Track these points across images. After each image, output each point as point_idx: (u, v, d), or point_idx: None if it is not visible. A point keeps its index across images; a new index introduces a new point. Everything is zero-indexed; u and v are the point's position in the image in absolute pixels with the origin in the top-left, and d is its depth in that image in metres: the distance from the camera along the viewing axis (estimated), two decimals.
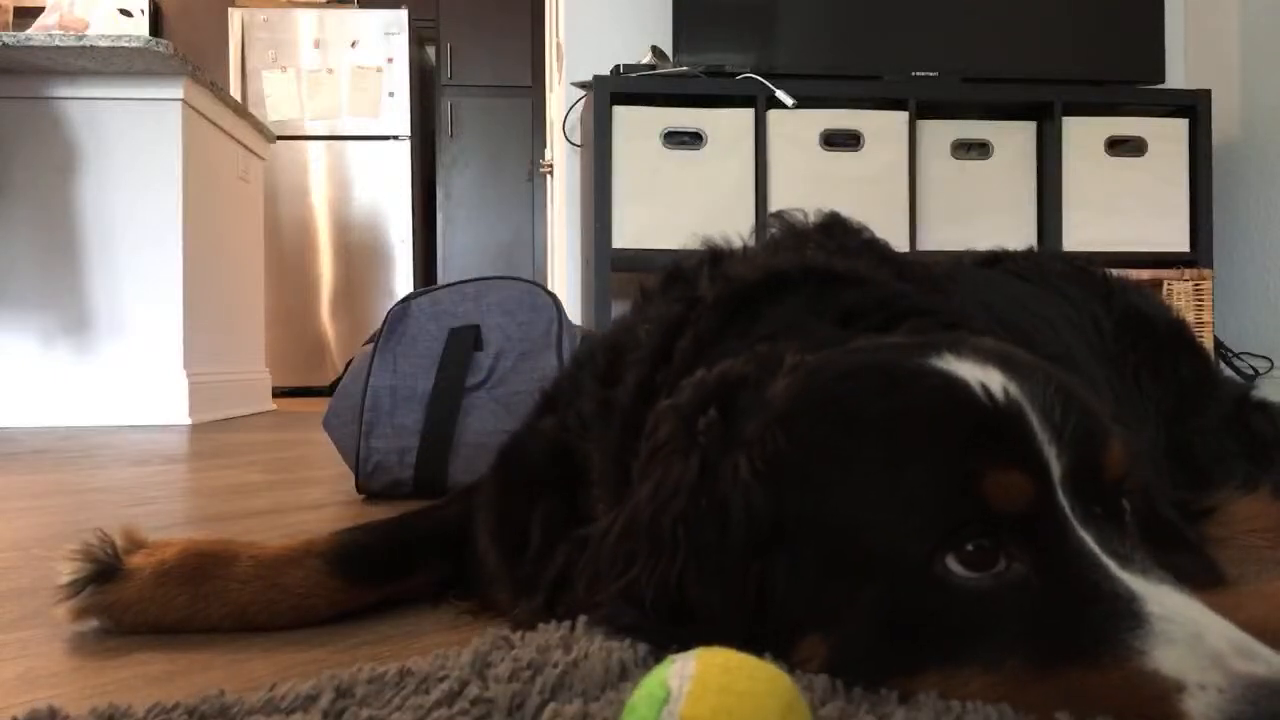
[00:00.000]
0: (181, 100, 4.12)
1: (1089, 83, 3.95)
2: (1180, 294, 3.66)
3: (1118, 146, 3.82)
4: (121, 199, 4.10)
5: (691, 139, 3.70)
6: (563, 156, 4.36)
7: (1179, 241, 3.82)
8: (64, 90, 4.07)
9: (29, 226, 4.04)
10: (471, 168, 7.78)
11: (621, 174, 3.67)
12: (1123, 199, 3.81)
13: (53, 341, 4.05)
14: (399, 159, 7.24)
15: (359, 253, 7.24)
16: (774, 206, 3.71)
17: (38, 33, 4.00)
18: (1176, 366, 1.40)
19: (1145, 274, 3.65)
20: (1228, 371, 3.77)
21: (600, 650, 0.70)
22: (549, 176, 5.32)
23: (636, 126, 3.68)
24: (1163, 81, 4.00)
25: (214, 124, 4.52)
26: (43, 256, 4.06)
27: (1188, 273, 3.70)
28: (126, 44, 3.86)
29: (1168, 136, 3.83)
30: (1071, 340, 1.33)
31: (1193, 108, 3.82)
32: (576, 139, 4.16)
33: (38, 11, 4.65)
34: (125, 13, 5.21)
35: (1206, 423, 1.38)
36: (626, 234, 3.67)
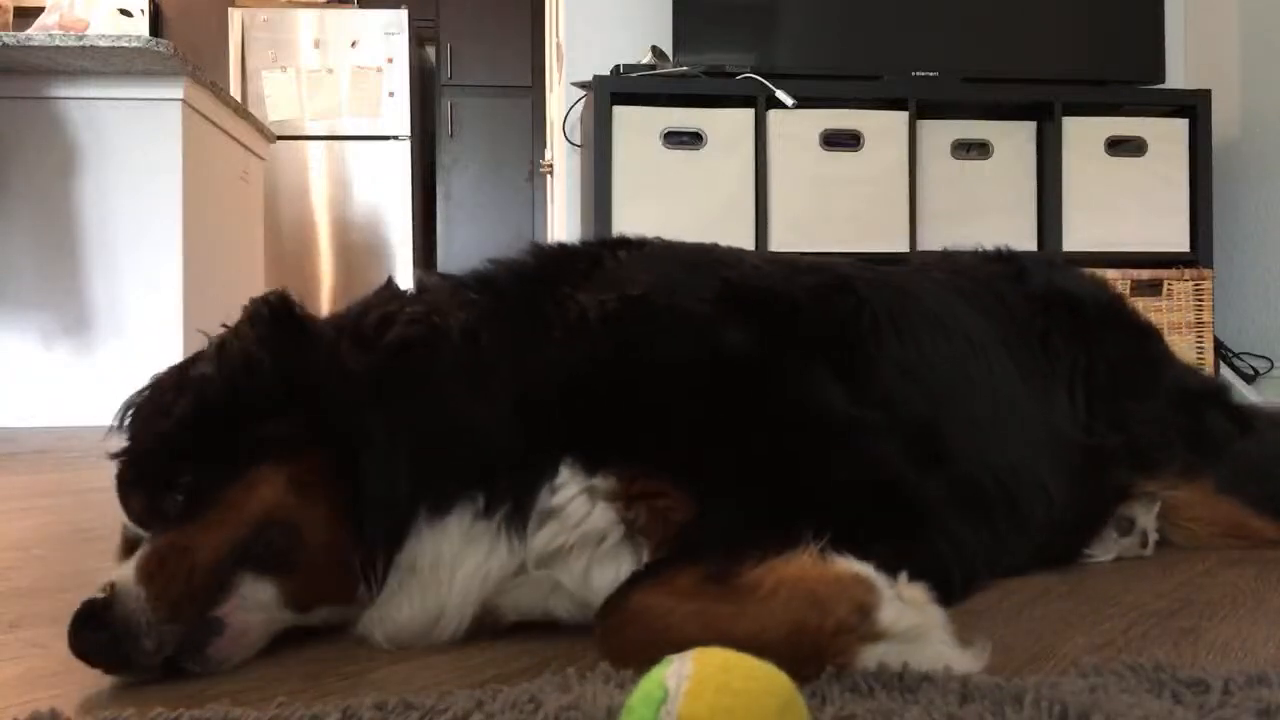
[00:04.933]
0: (181, 100, 4.12)
1: (1089, 83, 3.95)
2: (1180, 294, 3.66)
3: (1118, 146, 3.82)
4: (122, 199, 4.10)
5: (692, 139, 3.70)
6: (563, 156, 4.36)
7: (1179, 241, 3.82)
8: (64, 90, 4.07)
9: (29, 226, 4.04)
10: (472, 167, 7.77)
11: (622, 174, 3.67)
12: (1123, 199, 3.81)
13: (53, 341, 4.05)
14: (399, 159, 7.23)
15: (359, 253, 7.24)
16: (774, 206, 3.72)
17: (38, 33, 3.99)
18: (1103, 341, 1.39)
19: (1145, 274, 3.66)
20: (1226, 372, 3.77)
21: (604, 689, 0.73)
22: (549, 176, 5.32)
23: (637, 126, 3.69)
24: (1162, 81, 4.00)
25: (214, 124, 4.52)
26: (43, 256, 4.06)
27: (1188, 273, 3.70)
28: (126, 44, 3.86)
29: (1168, 136, 3.83)
30: (936, 302, 1.32)
31: (1193, 108, 3.82)
32: (577, 139, 4.16)
33: (38, 11, 4.64)
34: (125, 13, 5.21)
35: (1148, 408, 1.36)
36: (625, 232, 3.66)
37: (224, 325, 1.05)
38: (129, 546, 1.00)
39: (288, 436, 0.93)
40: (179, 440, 0.93)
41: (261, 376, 0.96)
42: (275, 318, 1.01)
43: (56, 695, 0.83)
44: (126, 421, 1.00)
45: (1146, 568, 1.30)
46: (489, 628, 0.97)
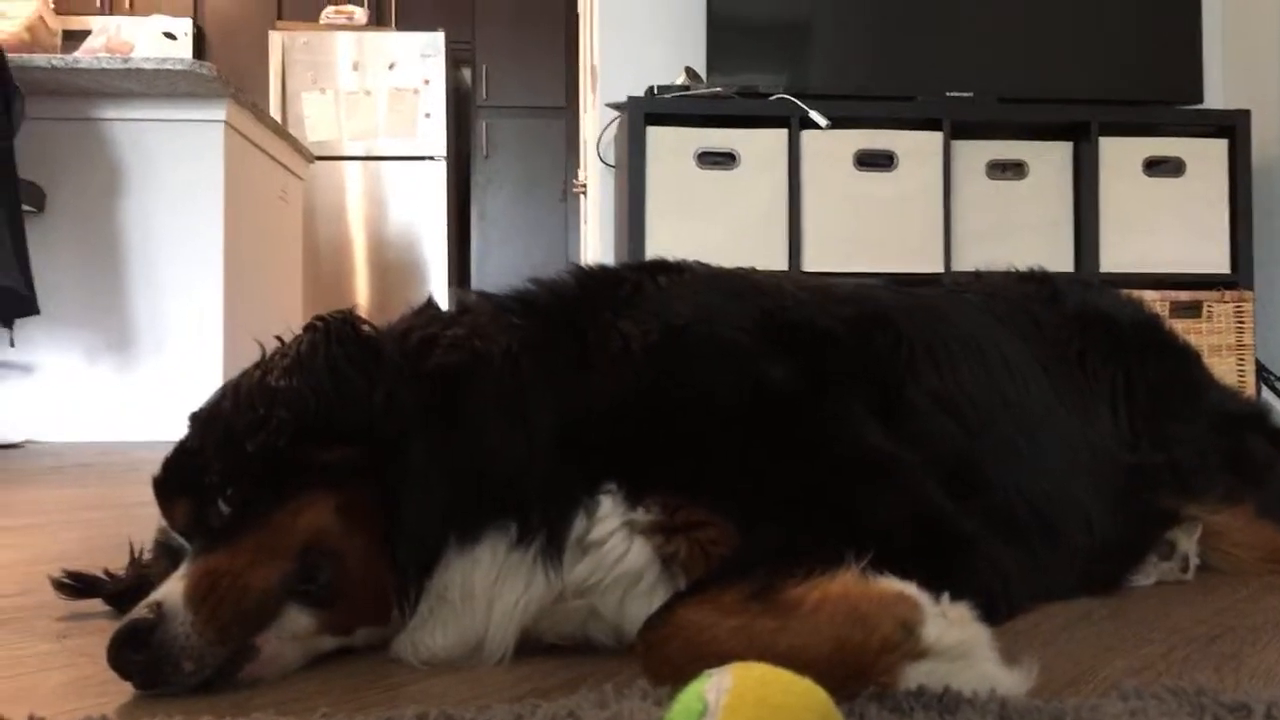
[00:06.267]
0: (224, 122, 4.19)
1: (1126, 103, 3.92)
2: (1221, 316, 3.62)
3: (1155, 167, 3.79)
4: (165, 218, 4.18)
5: (725, 159, 3.72)
6: (597, 177, 4.39)
7: (1219, 263, 3.78)
8: (110, 112, 4.16)
9: (75, 245, 4.13)
10: (506, 188, 7.84)
11: (655, 194, 3.69)
12: (1161, 220, 3.78)
13: (97, 358, 4.12)
14: (435, 179, 7.30)
15: (395, 271, 7.31)
16: (807, 226, 3.72)
17: (85, 56, 4.09)
18: (1143, 362, 1.38)
19: (1185, 295, 3.62)
20: (1267, 395, 3.71)
21: (641, 705, 0.74)
22: (582, 196, 5.35)
23: (670, 147, 3.70)
24: (1201, 102, 3.96)
25: (255, 145, 4.60)
26: (88, 274, 4.14)
27: (1228, 294, 3.66)
28: (171, 67, 3.94)
29: (1206, 157, 3.79)
30: (971, 326, 1.32)
31: (1232, 128, 3.79)
32: (610, 159, 4.19)
33: (85, 35, 4.76)
34: (169, 35, 5.33)
35: (1188, 431, 1.35)
36: (660, 253, 3.66)
37: (278, 339, 1.06)
38: (164, 552, 1.02)
39: (339, 463, 0.94)
40: (264, 451, 0.93)
41: (351, 399, 0.96)
42: (359, 340, 1.01)
43: (105, 702, 0.85)
44: (193, 428, 1.01)
45: (1187, 592, 1.29)
46: (527, 645, 0.97)
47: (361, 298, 7.26)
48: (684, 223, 3.69)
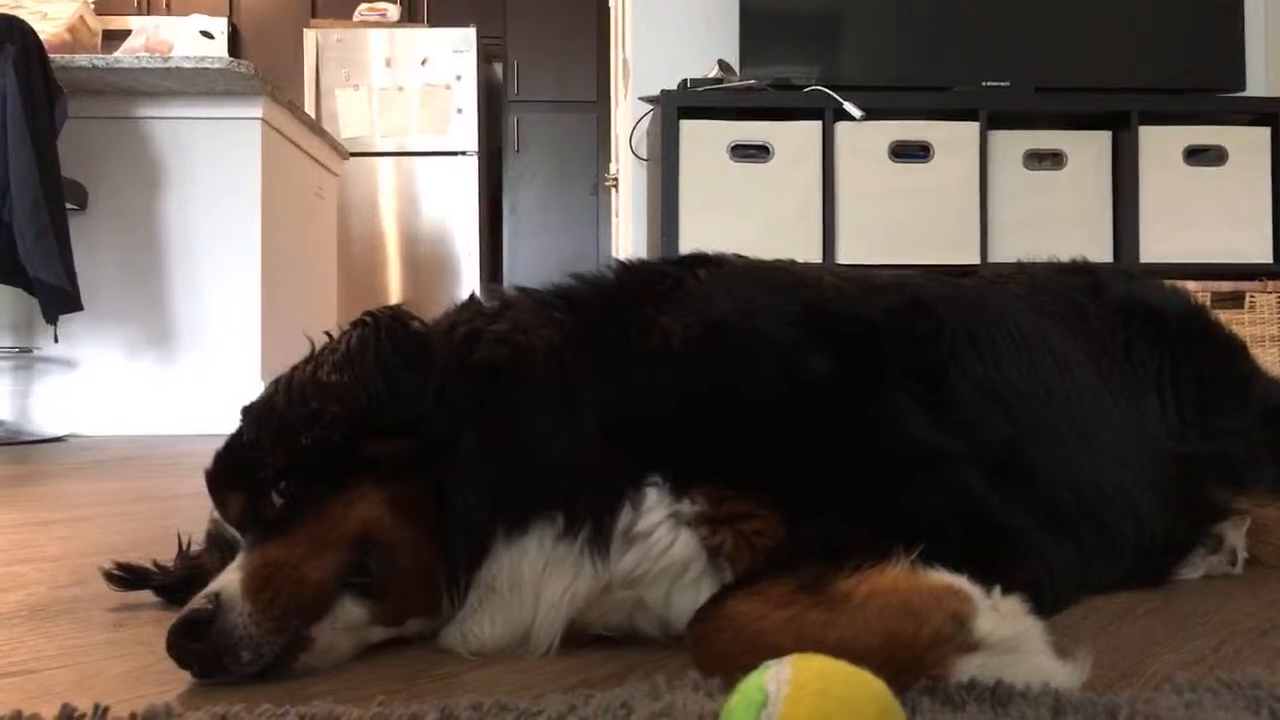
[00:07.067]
0: (261, 119, 4.23)
1: (1166, 91, 3.87)
2: (1264, 307, 3.56)
3: (1196, 156, 3.74)
4: (204, 215, 4.23)
5: (759, 152, 3.71)
6: (629, 170, 4.39)
7: (1261, 252, 3.72)
8: (149, 110, 4.21)
9: (115, 241, 4.19)
10: (537, 182, 7.86)
11: (689, 187, 3.69)
12: (1202, 210, 3.73)
13: (137, 353, 4.18)
14: (467, 174, 7.34)
15: (427, 266, 7.36)
16: (842, 219, 3.71)
17: (125, 55, 4.15)
18: (1189, 353, 1.37)
19: (1227, 286, 3.57)
20: None
21: (694, 696, 0.74)
22: (614, 190, 5.36)
23: (704, 140, 3.70)
24: (1243, 90, 3.91)
25: (291, 142, 4.64)
26: (128, 270, 4.20)
27: (1271, 285, 3.60)
28: (209, 65, 3.98)
29: (1248, 145, 3.74)
30: (1015, 316, 1.30)
31: (1274, 116, 3.73)
32: (643, 153, 4.19)
33: (124, 35, 4.82)
34: (206, 34, 5.38)
35: (1236, 422, 1.34)
36: (693, 246, 3.67)
37: (327, 334, 1.07)
38: (216, 544, 1.04)
39: (389, 456, 0.95)
40: (317, 444, 0.94)
41: (402, 394, 0.98)
42: (408, 336, 1.03)
43: (165, 691, 0.87)
44: (246, 422, 1.02)
45: (1234, 586, 1.27)
46: (574, 636, 0.98)
47: (394, 293, 7.32)
48: (717, 216, 3.69)
